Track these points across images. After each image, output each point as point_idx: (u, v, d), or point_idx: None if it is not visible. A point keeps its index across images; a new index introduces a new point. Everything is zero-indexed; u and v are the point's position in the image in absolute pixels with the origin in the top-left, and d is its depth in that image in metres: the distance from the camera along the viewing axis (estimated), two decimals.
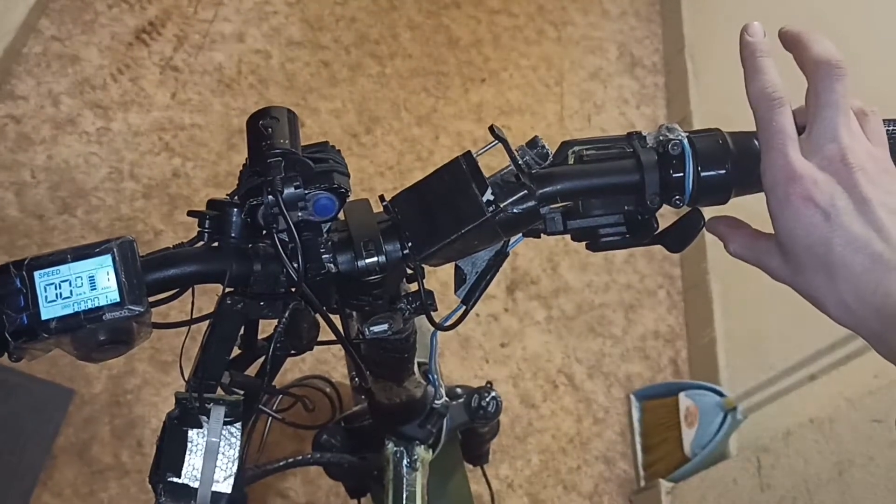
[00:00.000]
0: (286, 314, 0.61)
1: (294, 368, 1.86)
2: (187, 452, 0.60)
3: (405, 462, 0.99)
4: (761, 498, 1.60)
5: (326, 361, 1.94)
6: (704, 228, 0.61)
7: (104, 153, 2.13)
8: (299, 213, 0.57)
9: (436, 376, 0.94)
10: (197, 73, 2.37)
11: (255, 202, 0.56)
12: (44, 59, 2.24)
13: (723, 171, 0.57)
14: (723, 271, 2.24)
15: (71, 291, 0.51)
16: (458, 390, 1.13)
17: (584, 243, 0.64)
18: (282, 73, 2.45)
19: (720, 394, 1.94)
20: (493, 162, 0.59)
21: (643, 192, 0.58)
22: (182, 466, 0.60)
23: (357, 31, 2.64)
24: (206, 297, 0.63)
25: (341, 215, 0.60)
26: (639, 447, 2.08)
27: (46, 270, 0.51)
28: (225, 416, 0.62)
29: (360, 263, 0.59)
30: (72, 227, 2.00)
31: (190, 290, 0.59)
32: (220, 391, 0.63)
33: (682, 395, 2.01)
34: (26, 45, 2.24)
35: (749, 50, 0.56)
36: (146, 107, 2.25)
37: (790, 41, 0.56)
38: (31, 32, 2.26)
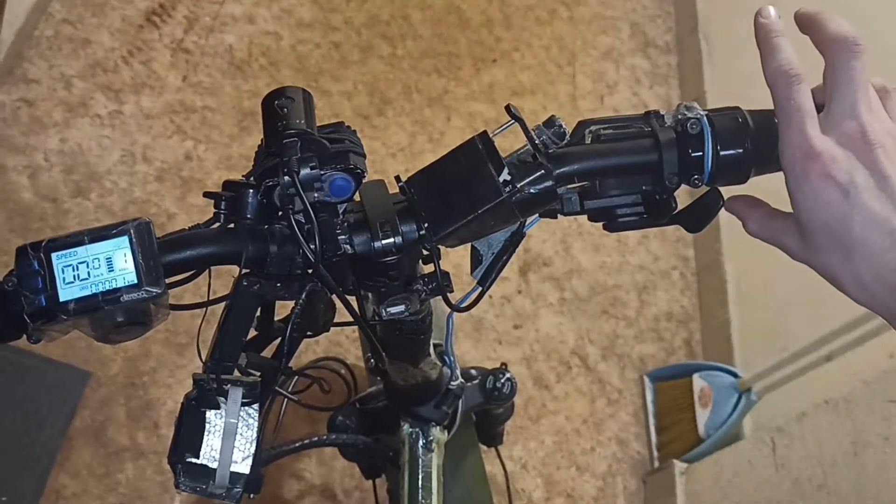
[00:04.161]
0: (302, 296, 0.61)
1: (308, 351, 1.87)
2: (205, 433, 0.61)
3: (421, 443, 1.00)
4: (776, 479, 1.60)
5: (340, 344, 1.95)
6: (723, 208, 0.60)
7: (117, 136, 2.14)
8: (315, 194, 0.57)
9: (451, 357, 0.94)
10: (208, 56, 2.36)
11: (270, 183, 0.56)
12: (55, 43, 2.24)
13: (742, 150, 0.57)
14: (737, 252, 2.23)
15: (88, 273, 0.51)
16: (473, 372, 1.13)
17: (598, 224, 0.63)
18: (293, 54, 2.45)
19: (734, 375, 1.94)
20: (505, 144, 0.59)
21: (661, 171, 0.58)
22: (200, 447, 0.61)
23: (368, 13, 2.62)
24: (222, 280, 0.63)
25: (357, 196, 0.60)
26: (653, 428, 2.08)
27: (64, 252, 0.51)
28: (242, 398, 0.62)
29: (377, 244, 0.59)
30: (86, 210, 2.00)
31: (206, 271, 0.59)
32: (236, 373, 0.64)
33: (696, 377, 2.01)
34: (38, 28, 2.24)
35: (764, 31, 0.55)
36: (158, 89, 2.25)
37: (806, 22, 0.55)
38: (42, 15, 2.26)
